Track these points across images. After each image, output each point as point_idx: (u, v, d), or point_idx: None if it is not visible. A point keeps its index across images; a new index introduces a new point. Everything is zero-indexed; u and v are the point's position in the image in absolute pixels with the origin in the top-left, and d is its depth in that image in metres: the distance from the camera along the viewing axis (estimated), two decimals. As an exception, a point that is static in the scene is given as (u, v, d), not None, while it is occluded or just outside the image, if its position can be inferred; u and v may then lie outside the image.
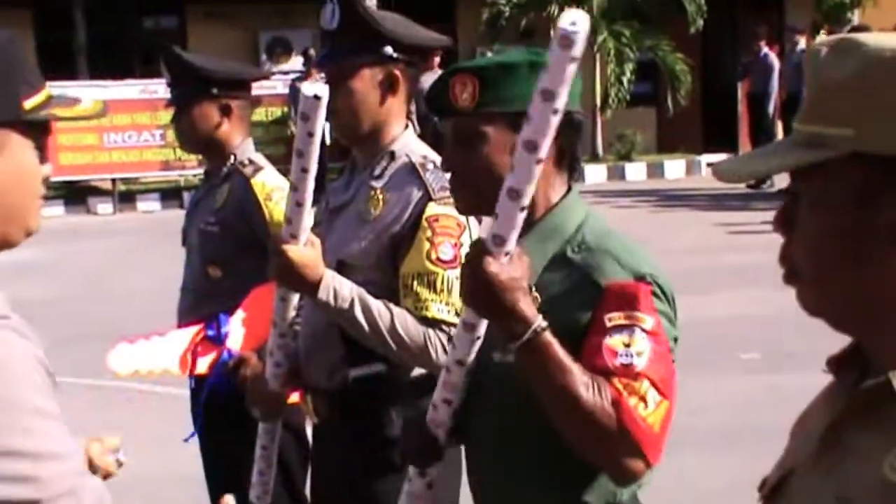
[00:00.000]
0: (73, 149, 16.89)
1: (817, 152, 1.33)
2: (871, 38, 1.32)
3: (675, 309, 2.29)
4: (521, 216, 2.12)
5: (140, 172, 17.50)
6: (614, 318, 2.17)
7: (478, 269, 2.10)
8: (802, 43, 17.17)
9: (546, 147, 2.07)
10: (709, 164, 17.69)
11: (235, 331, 3.71)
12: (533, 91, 2.07)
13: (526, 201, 2.11)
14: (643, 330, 2.16)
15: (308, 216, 2.87)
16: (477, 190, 2.25)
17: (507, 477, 2.34)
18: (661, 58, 19.52)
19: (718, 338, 8.44)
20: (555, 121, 2.04)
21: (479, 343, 2.28)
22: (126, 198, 17.41)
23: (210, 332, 3.84)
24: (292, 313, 3.06)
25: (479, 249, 2.12)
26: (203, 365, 3.81)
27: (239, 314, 3.69)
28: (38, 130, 2.00)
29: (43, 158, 2.02)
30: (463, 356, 2.30)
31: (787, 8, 22.24)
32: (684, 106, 19.52)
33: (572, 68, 2.01)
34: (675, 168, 19.39)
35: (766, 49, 17.66)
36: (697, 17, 19.35)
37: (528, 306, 2.11)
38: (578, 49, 1.99)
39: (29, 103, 1.97)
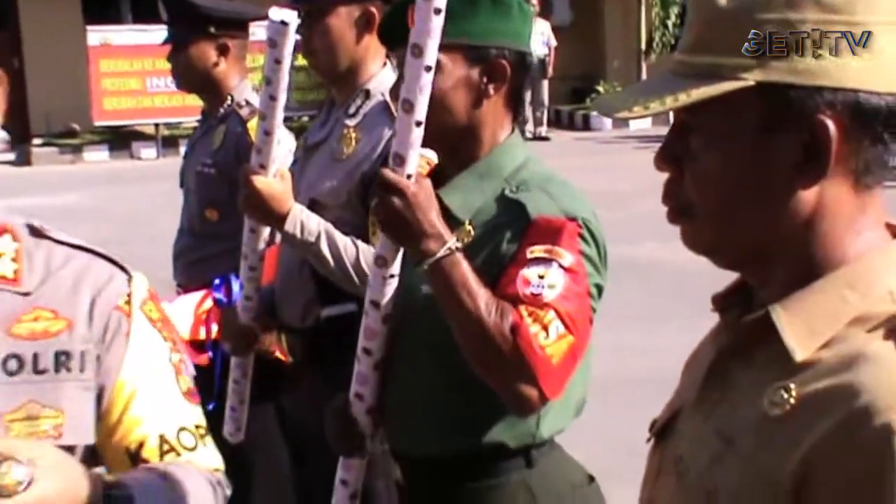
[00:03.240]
0: (116, 94, 16.98)
1: (717, 85, 1.27)
2: None
3: (605, 259, 2.27)
4: (418, 132, 2.13)
5: (183, 117, 17.47)
6: (535, 250, 2.16)
7: (384, 189, 2.14)
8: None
9: (433, 52, 2.09)
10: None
11: None
12: (493, 27, 2.05)
13: (420, 115, 2.11)
14: (560, 265, 2.15)
15: (277, 146, 2.84)
16: (427, 120, 2.21)
17: (423, 406, 2.33)
18: (708, 1, 19.23)
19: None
20: (437, 21, 2.08)
21: (393, 283, 2.27)
22: (169, 142, 17.45)
23: (217, 295, 3.76)
24: (262, 245, 3.01)
25: (384, 169, 2.17)
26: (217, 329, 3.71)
27: None
28: None
29: None
30: (377, 296, 2.28)
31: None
32: (731, 50, 19.25)
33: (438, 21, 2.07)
34: (721, 113, 19.13)
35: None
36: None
37: (441, 225, 2.13)
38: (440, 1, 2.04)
39: None
